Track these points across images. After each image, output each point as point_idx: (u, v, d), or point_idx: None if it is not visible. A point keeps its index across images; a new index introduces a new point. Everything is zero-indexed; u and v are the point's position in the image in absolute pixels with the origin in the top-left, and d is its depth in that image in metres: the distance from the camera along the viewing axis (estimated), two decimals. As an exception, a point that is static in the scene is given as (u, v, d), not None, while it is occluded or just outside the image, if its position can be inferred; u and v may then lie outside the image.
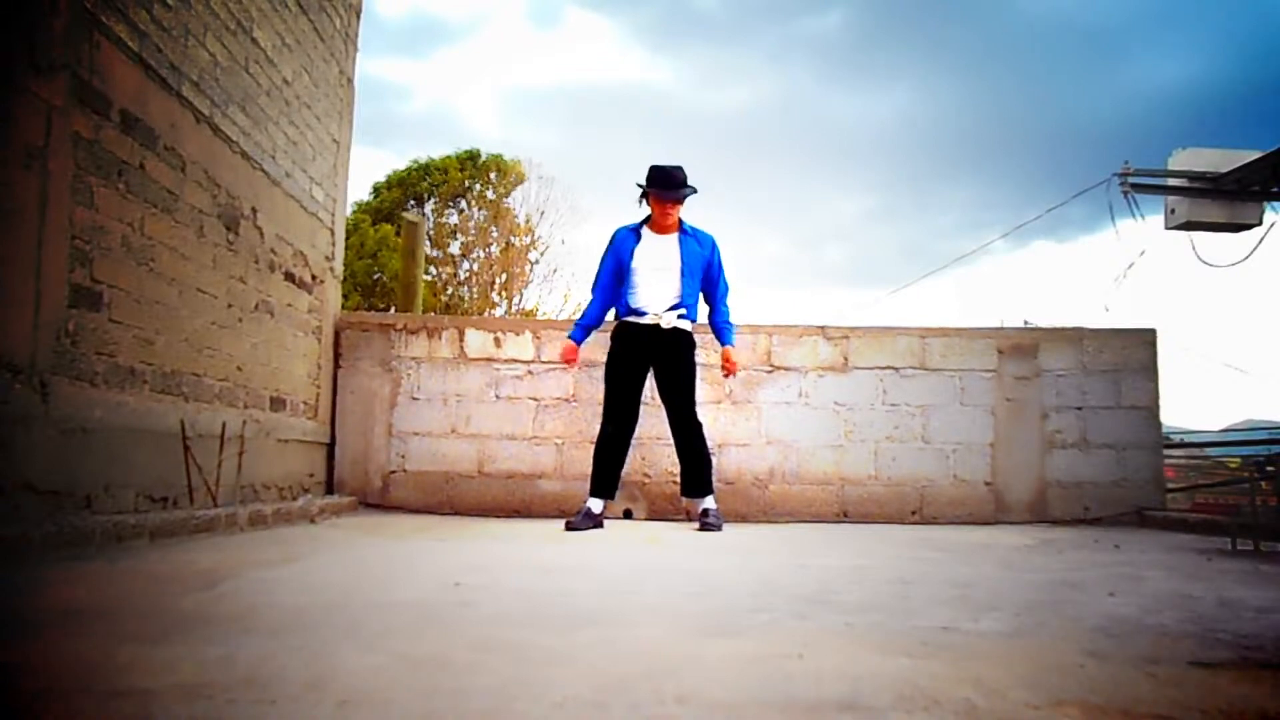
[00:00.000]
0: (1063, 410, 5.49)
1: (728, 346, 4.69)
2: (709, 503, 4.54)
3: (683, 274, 4.54)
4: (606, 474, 4.56)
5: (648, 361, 4.58)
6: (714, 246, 4.70)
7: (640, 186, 4.63)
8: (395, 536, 3.75)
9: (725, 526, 4.50)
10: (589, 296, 4.80)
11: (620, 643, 1.65)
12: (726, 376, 4.84)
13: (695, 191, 4.59)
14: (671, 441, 4.70)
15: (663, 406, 4.67)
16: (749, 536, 4.21)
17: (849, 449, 5.43)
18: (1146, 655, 1.59)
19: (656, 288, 4.53)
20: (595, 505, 4.51)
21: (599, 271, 4.71)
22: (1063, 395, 5.50)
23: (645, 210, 4.68)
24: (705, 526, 4.41)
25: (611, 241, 4.69)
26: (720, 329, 4.71)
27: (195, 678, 1.29)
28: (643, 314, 4.54)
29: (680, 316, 4.57)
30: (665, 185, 4.53)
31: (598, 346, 5.47)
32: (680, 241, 4.60)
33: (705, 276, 4.64)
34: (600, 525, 4.45)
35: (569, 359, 4.69)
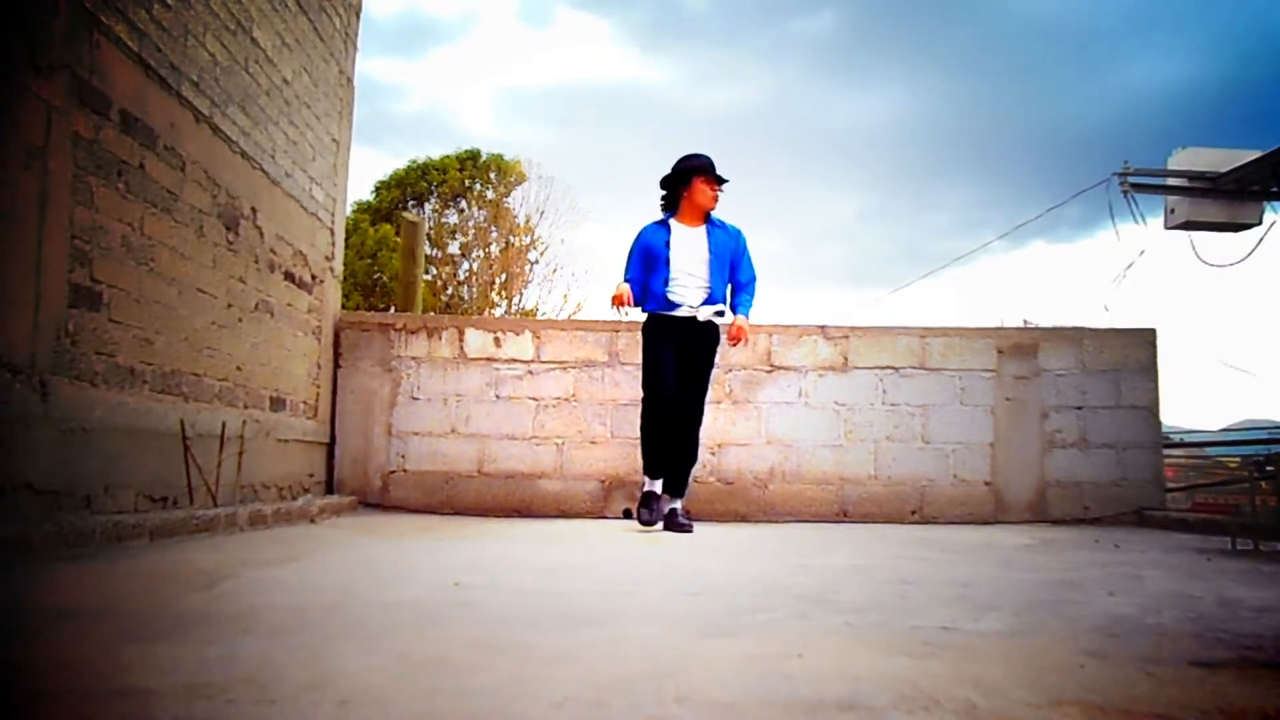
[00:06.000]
0: (1062, 410, 5.49)
1: (741, 315, 4.58)
2: (679, 503, 4.50)
3: (711, 265, 4.49)
4: (659, 457, 4.46)
5: (680, 349, 4.46)
6: (740, 237, 4.66)
7: (678, 174, 4.54)
8: (395, 536, 3.75)
9: (724, 527, 4.49)
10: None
11: (620, 643, 1.65)
12: (733, 345, 4.66)
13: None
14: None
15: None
16: (749, 536, 4.21)
17: (849, 449, 5.43)
18: (1146, 655, 1.59)
19: (690, 279, 4.47)
20: (657, 486, 4.46)
21: (629, 263, 4.57)
22: (1062, 395, 5.50)
23: (666, 208, 4.63)
24: (678, 527, 4.34)
25: (640, 237, 4.59)
26: (739, 302, 4.61)
27: (195, 678, 1.29)
28: (677, 306, 4.45)
29: (718, 313, 4.52)
30: (713, 169, 4.51)
31: (597, 346, 5.48)
32: (709, 232, 4.56)
33: (732, 266, 4.59)
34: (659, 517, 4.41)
35: (623, 300, 4.38)
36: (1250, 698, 1.33)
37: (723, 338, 4.59)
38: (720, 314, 4.54)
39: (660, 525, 4.39)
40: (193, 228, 3.72)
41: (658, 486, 4.46)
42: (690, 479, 4.66)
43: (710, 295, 4.49)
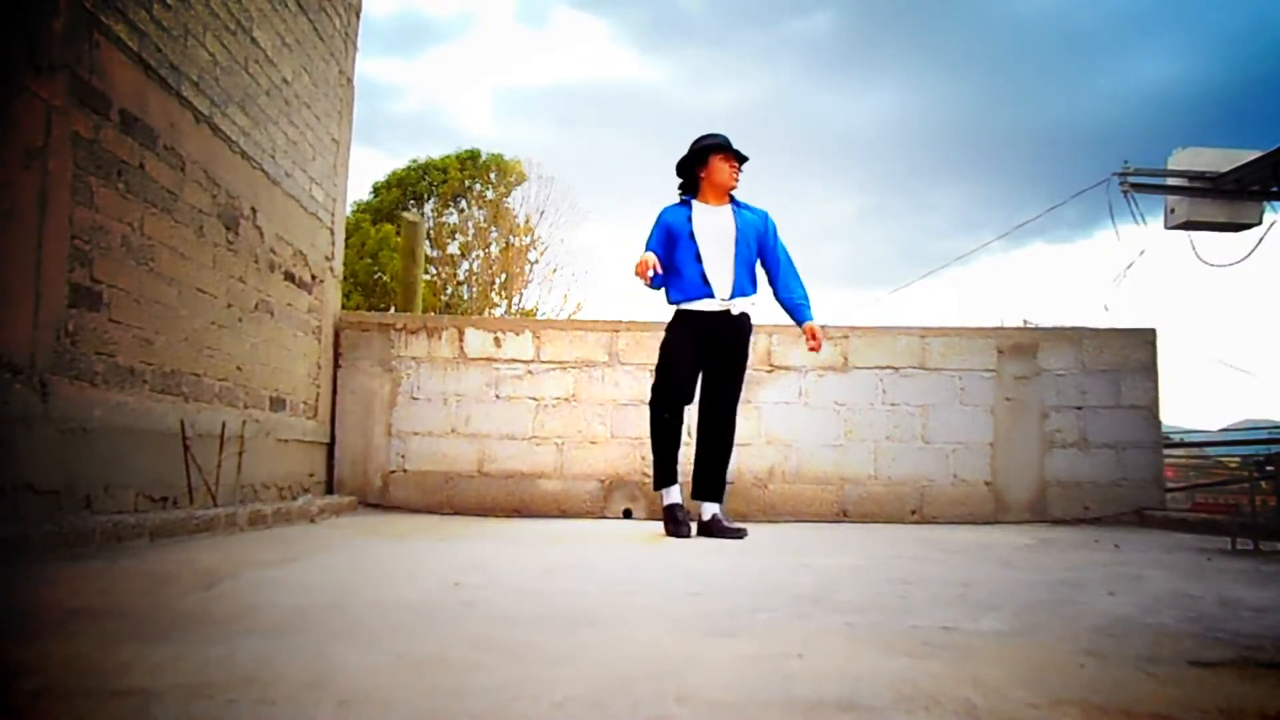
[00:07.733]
0: (1062, 410, 5.49)
1: (809, 322, 4.28)
2: (718, 508, 4.22)
3: (738, 244, 4.20)
4: (670, 461, 4.22)
5: (706, 349, 4.19)
6: (767, 218, 4.35)
7: (694, 154, 4.28)
8: (395, 536, 3.75)
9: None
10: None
11: (620, 643, 1.65)
12: (813, 350, 4.36)
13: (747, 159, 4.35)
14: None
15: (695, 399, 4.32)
16: (749, 536, 4.20)
17: (849, 449, 5.43)
18: (1146, 655, 1.59)
19: (717, 264, 4.18)
20: (674, 495, 4.20)
21: (649, 240, 4.26)
22: (1062, 395, 5.50)
23: (684, 192, 4.38)
24: (727, 532, 4.09)
25: (661, 216, 4.29)
26: (795, 307, 4.32)
27: (195, 678, 1.29)
28: (708, 296, 4.16)
29: (751, 304, 4.26)
30: (730, 146, 4.26)
31: (597, 346, 5.48)
32: (735, 213, 4.27)
33: (761, 251, 4.30)
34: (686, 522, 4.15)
35: (648, 267, 4.03)
36: (1250, 698, 1.33)
37: (750, 337, 4.31)
38: (752, 305, 4.28)
39: (691, 530, 4.15)
40: (193, 228, 3.72)
41: (675, 495, 4.19)
42: (727, 482, 4.34)
43: (736, 282, 4.19)
